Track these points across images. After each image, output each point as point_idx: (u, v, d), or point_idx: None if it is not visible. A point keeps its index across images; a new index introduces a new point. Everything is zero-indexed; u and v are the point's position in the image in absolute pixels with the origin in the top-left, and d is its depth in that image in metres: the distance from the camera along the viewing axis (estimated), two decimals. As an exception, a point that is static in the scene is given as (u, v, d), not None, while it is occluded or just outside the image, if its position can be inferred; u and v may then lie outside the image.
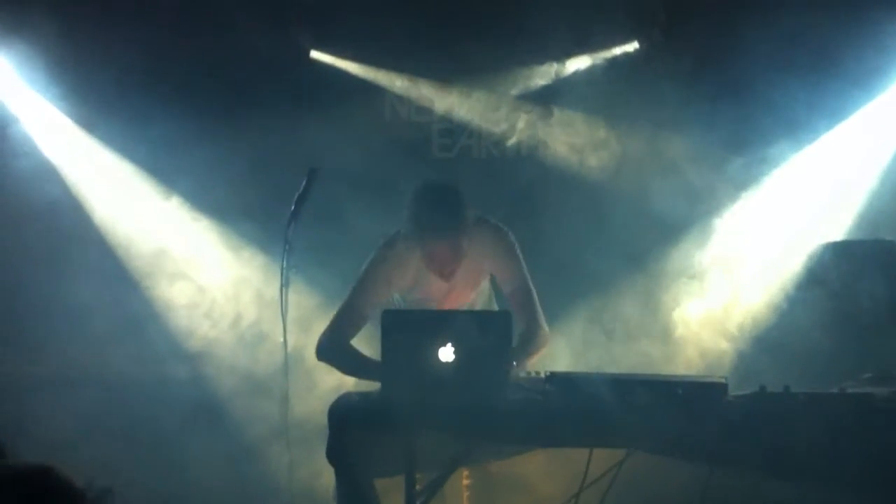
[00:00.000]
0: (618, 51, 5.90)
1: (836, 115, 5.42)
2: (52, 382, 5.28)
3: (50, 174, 5.63)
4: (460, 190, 4.06)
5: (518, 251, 4.22)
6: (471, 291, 4.34)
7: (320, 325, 4.17)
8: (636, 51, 5.86)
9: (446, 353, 3.38)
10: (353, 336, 4.08)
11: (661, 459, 3.43)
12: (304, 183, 4.30)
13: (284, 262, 4.23)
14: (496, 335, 3.43)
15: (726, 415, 3.35)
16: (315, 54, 5.96)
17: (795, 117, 5.36)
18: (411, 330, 3.43)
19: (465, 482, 4.20)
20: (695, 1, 5.61)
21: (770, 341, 4.58)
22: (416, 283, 4.21)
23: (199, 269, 5.63)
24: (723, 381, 3.47)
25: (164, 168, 5.65)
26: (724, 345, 4.90)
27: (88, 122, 5.67)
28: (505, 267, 4.23)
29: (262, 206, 5.32)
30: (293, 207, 4.25)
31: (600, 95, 5.83)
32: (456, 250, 4.02)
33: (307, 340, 4.53)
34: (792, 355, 4.16)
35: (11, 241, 5.46)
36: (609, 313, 5.40)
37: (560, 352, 4.93)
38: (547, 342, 4.20)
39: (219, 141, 5.54)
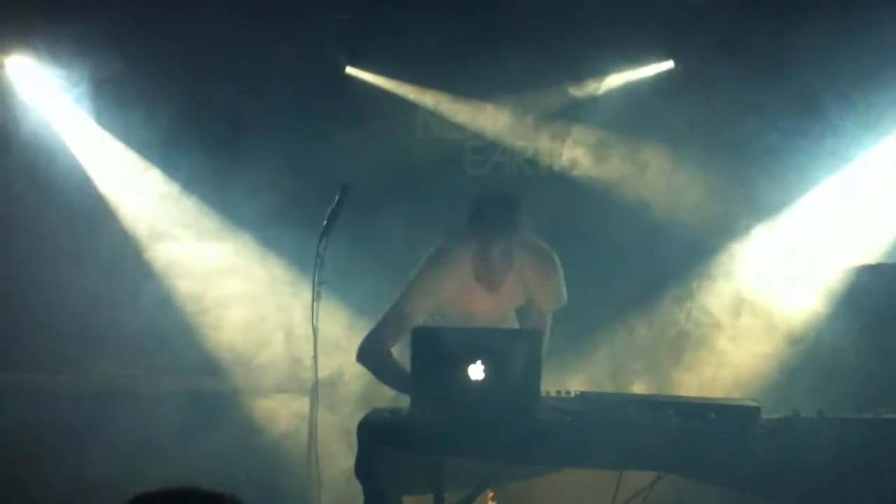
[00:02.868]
0: (653, 70, 5.88)
1: (871, 136, 5.36)
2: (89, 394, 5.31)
3: (87, 185, 5.68)
4: (519, 201, 4.14)
5: (562, 277, 4.28)
6: (507, 310, 4.39)
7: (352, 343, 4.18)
8: (671, 70, 5.84)
9: (476, 371, 3.37)
10: (396, 342, 4.07)
11: (692, 483, 3.40)
12: (336, 198, 4.30)
13: (316, 277, 4.23)
14: (526, 353, 3.42)
15: (758, 439, 3.32)
16: (350, 70, 5.98)
17: (829, 139, 5.33)
18: (441, 346, 3.42)
19: (491, 502, 4.18)
20: (731, 25, 5.57)
21: (804, 364, 4.53)
22: (462, 295, 4.23)
23: (236, 282, 5.65)
24: (755, 404, 3.44)
25: (201, 185, 5.68)
26: (759, 367, 4.85)
27: (128, 140, 5.71)
28: (548, 289, 4.30)
29: (298, 222, 5.32)
30: (325, 222, 4.26)
31: (634, 114, 5.81)
32: (507, 254, 4.08)
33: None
34: (826, 379, 4.11)
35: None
36: (642, 332, 5.36)
37: (591, 370, 4.91)
38: None
39: (256, 158, 5.57)
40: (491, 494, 4.14)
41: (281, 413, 5.23)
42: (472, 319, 4.26)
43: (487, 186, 4.26)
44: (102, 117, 5.66)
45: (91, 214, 5.66)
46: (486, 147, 6.13)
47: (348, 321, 5.19)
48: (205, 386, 5.35)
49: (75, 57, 5.48)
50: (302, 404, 4.52)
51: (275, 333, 5.46)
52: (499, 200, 4.08)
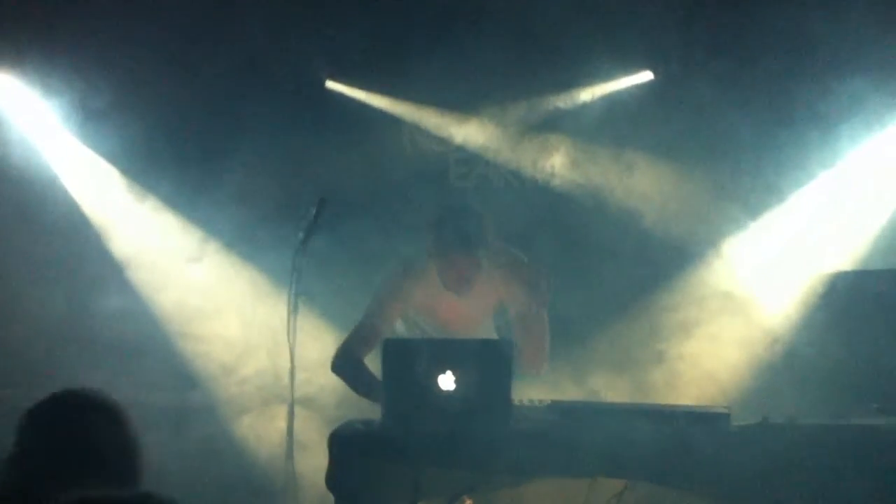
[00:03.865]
0: (632, 81, 5.90)
1: (851, 143, 5.37)
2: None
3: (66, 199, 5.71)
4: (483, 213, 4.17)
5: (538, 283, 4.23)
6: (482, 317, 4.39)
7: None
8: (653, 80, 5.86)
9: (447, 382, 3.38)
10: (367, 352, 4.12)
11: (663, 490, 3.40)
12: (313, 212, 4.33)
13: (293, 290, 4.26)
14: (497, 364, 3.43)
15: (728, 445, 3.33)
16: (331, 84, 6.01)
17: (812, 145, 5.34)
18: (412, 358, 3.43)
19: (468, 511, 4.19)
20: (713, 33, 5.59)
21: (777, 370, 4.54)
22: (430, 304, 4.27)
23: (218, 296, 5.66)
24: (725, 411, 3.45)
25: (181, 199, 5.70)
26: (731, 373, 4.86)
27: (106, 152, 5.73)
28: (517, 294, 4.28)
29: (282, 237, 5.33)
30: (301, 235, 4.29)
31: (616, 123, 5.83)
32: (472, 264, 4.09)
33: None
34: (799, 385, 4.12)
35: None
36: (616, 340, 5.38)
37: (563, 379, 4.92)
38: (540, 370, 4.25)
39: (239, 173, 5.59)
40: (469, 502, 4.15)
41: (259, 426, 5.25)
42: (446, 328, 4.29)
43: (450, 202, 4.27)
44: (83, 132, 5.67)
45: (68, 227, 5.66)
46: (470, 159, 6.15)
47: (331, 334, 5.20)
48: (186, 400, 5.37)
49: (59, 76, 5.51)
50: (281, 417, 4.52)
51: (256, 347, 5.48)
52: (461, 217, 4.10)
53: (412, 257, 4.25)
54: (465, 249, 4.06)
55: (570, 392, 4.77)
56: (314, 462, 4.10)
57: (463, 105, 6.04)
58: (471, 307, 4.29)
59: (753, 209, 5.55)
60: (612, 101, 5.90)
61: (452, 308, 4.26)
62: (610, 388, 4.96)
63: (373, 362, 4.06)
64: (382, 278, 4.26)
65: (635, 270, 5.55)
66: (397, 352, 3.47)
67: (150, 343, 5.46)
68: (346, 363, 4.13)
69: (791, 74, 5.36)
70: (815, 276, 4.51)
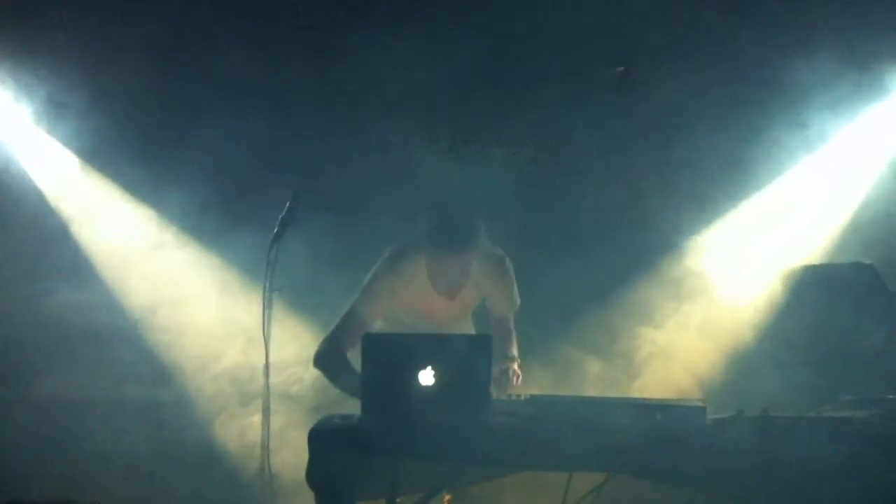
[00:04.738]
0: (607, 78, 5.93)
1: (819, 138, 5.45)
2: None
3: (36, 195, 5.64)
4: (476, 214, 4.19)
5: (514, 281, 4.40)
6: (465, 312, 4.46)
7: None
8: (622, 78, 5.90)
9: (426, 377, 3.39)
10: (352, 346, 4.09)
11: (641, 483, 3.44)
12: (287, 205, 4.32)
13: (267, 284, 4.25)
14: (476, 358, 3.43)
15: (705, 438, 3.37)
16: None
17: (778, 141, 5.41)
18: (391, 353, 3.45)
19: (448, 505, 4.21)
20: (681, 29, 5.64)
21: (749, 364, 4.59)
22: (418, 298, 4.28)
23: (194, 291, 5.62)
24: (701, 404, 3.49)
25: (156, 198, 5.66)
26: (703, 367, 4.91)
27: (88, 154, 5.67)
28: (501, 293, 4.39)
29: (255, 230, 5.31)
30: (276, 229, 4.27)
31: (589, 122, 5.85)
32: (464, 269, 4.14)
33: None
34: (771, 378, 4.17)
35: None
36: (590, 335, 5.41)
37: (541, 374, 4.95)
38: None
39: (211, 169, 5.55)
40: (448, 498, 4.18)
41: (235, 422, 5.22)
42: (428, 322, 4.30)
43: (445, 203, 4.27)
44: (57, 129, 5.60)
45: (39, 222, 5.60)
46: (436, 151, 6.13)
47: (305, 327, 5.19)
48: (159, 395, 5.34)
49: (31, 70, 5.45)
50: (256, 412, 4.51)
51: (231, 342, 5.45)
52: (454, 218, 4.10)
53: (401, 252, 4.23)
54: (460, 253, 4.09)
55: (546, 386, 4.82)
56: (292, 458, 4.09)
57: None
58: (455, 305, 4.33)
59: (723, 202, 5.60)
60: (584, 98, 5.92)
61: (436, 306, 4.29)
62: (586, 381, 5.00)
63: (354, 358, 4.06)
64: (373, 273, 4.22)
65: (608, 262, 5.58)
66: (377, 346, 3.47)
67: (119, 335, 5.41)
68: (329, 359, 4.10)
69: (768, 63, 5.39)
70: (784, 269, 4.56)
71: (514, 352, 4.40)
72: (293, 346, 4.90)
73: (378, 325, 4.32)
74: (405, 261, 4.20)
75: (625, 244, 5.61)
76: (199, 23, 5.55)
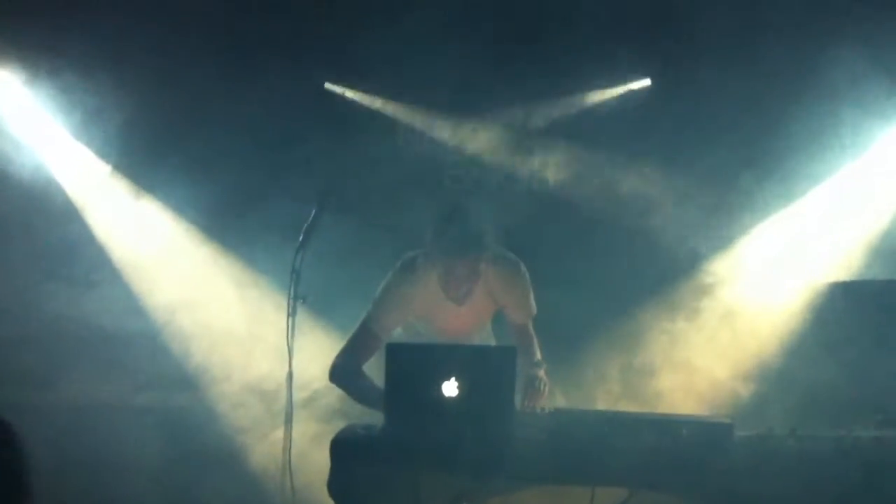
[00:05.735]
0: (631, 86, 5.91)
1: (851, 151, 5.39)
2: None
3: (58, 193, 5.67)
4: (484, 215, 4.11)
5: (530, 288, 4.28)
6: (480, 322, 4.39)
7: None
8: (647, 88, 5.88)
9: (450, 388, 3.37)
10: (367, 360, 4.07)
11: (665, 499, 3.39)
12: (313, 212, 4.31)
13: (292, 292, 4.24)
14: (501, 370, 3.41)
15: (731, 456, 3.33)
16: (329, 86, 5.99)
17: (811, 153, 5.36)
18: (415, 363, 3.42)
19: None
20: (704, 39, 5.60)
21: (778, 380, 4.55)
22: (430, 309, 4.23)
23: (213, 297, 5.63)
24: (728, 421, 3.45)
25: (178, 200, 5.68)
26: (733, 384, 4.87)
27: (103, 154, 5.69)
28: (517, 301, 4.30)
29: (277, 237, 5.31)
30: (301, 237, 4.26)
31: (612, 131, 5.84)
32: (473, 270, 4.03)
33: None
34: (800, 395, 4.13)
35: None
36: (615, 349, 5.38)
37: (564, 387, 4.92)
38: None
39: (234, 173, 5.56)
40: (468, 510, 4.15)
41: (257, 429, 5.22)
42: (444, 334, 4.27)
43: (453, 203, 4.20)
44: (79, 131, 5.62)
45: (62, 225, 5.63)
46: (465, 162, 6.14)
47: (328, 337, 5.18)
48: (180, 401, 5.34)
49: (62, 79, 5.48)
50: (279, 420, 4.50)
51: (253, 349, 5.45)
52: (464, 218, 4.01)
53: (412, 262, 4.17)
54: (466, 255, 4.00)
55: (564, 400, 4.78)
56: (314, 467, 4.07)
57: (460, 108, 6.02)
58: (469, 314, 4.25)
59: (753, 217, 5.56)
60: (609, 107, 5.91)
61: (451, 315, 4.22)
62: (605, 396, 4.97)
63: (371, 368, 4.04)
64: (384, 286, 4.17)
65: (630, 278, 5.55)
66: (401, 357, 3.44)
67: (144, 344, 5.42)
68: (345, 372, 4.06)
69: (798, 76, 5.35)
70: (812, 286, 4.52)
71: (539, 356, 4.32)
72: (316, 355, 4.88)
73: (396, 335, 4.29)
74: (416, 270, 4.14)
75: (648, 256, 5.58)
76: (226, 26, 5.56)
